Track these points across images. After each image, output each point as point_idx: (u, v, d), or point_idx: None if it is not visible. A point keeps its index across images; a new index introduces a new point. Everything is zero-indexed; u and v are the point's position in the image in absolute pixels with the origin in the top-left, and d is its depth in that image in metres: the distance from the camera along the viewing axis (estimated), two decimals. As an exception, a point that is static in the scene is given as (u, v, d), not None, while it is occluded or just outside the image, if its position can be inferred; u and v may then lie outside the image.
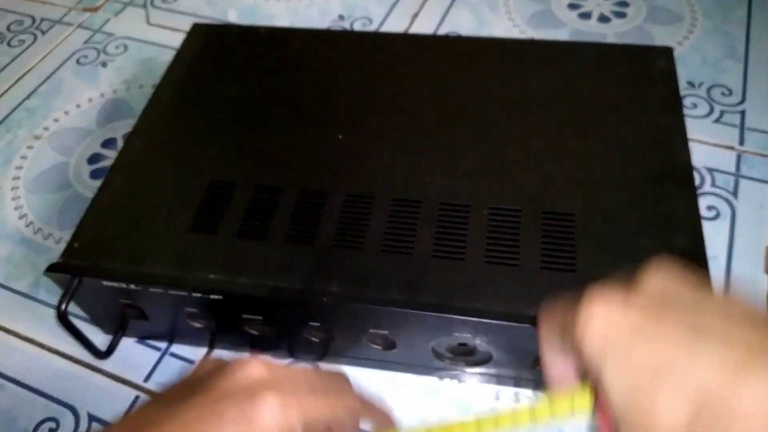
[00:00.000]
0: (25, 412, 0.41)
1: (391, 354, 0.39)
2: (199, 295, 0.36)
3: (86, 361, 0.43)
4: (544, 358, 0.25)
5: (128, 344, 0.44)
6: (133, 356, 0.43)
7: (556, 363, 0.25)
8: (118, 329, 0.43)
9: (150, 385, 0.42)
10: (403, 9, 0.67)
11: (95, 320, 0.43)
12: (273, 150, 0.43)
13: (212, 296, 0.36)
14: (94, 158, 0.56)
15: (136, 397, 0.41)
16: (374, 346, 0.38)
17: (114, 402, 0.41)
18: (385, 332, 0.36)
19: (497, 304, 0.33)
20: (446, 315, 0.33)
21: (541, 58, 0.48)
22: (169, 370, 0.42)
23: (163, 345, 0.44)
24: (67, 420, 0.41)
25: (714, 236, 0.46)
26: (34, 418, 0.41)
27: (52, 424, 0.41)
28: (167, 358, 0.43)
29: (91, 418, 0.41)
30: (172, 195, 0.41)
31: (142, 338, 0.44)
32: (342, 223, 0.38)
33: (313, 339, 0.39)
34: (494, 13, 0.66)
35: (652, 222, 0.37)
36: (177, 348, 0.44)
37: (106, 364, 0.43)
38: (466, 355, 0.37)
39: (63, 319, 0.37)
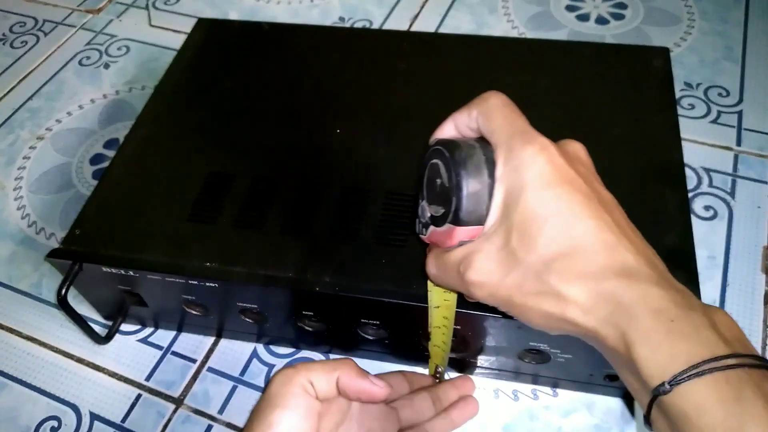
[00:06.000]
0: (28, 411, 0.42)
1: (384, 344, 0.39)
2: (195, 282, 0.36)
3: (88, 360, 0.44)
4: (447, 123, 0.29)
5: (130, 343, 0.44)
6: (135, 355, 0.44)
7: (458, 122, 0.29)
8: (117, 315, 0.43)
9: (151, 384, 0.42)
10: (403, 11, 0.67)
11: (96, 307, 0.44)
12: (272, 143, 0.43)
13: (208, 283, 0.36)
14: (96, 159, 0.56)
15: (138, 396, 0.42)
16: (366, 335, 0.39)
17: (116, 401, 0.42)
18: (377, 322, 0.37)
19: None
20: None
21: (539, 57, 0.48)
22: (171, 369, 0.43)
23: (164, 344, 0.44)
24: (69, 418, 0.41)
25: (711, 236, 0.47)
26: (37, 416, 0.41)
27: (54, 423, 0.41)
28: (169, 356, 0.43)
29: (93, 416, 0.41)
30: (172, 185, 0.41)
31: (142, 325, 0.45)
32: (337, 215, 0.39)
33: (307, 328, 0.39)
34: (493, 15, 0.66)
35: (643, 219, 0.37)
36: (178, 347, 0.44)
37: (108, 363, 0.43)
38: (456, 346, 0.37)
39: (63, 303, 0.37)
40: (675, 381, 0.20)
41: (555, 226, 0.24)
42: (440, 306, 0.33)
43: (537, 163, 0.24)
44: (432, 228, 0.29)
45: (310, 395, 0.28)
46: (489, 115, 0.27)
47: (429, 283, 0.32)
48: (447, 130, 0.29)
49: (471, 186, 0.25)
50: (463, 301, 0.31)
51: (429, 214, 0.29)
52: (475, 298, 0.27)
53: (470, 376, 0.40)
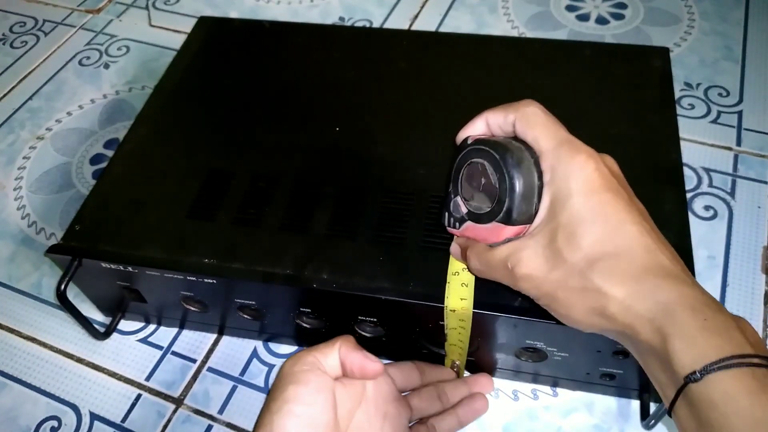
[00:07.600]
0: (28, 411, 0.42)
1: (381, 342, 0.39)
2: (194, 278, 0.37)
3: (89, 359, 0.44)
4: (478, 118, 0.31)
5: (130, 343, 0.44)
6: (135, 355, 0.44)
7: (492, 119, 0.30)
8: (116, 312, 0.44)
9: (151, 384, 0.42)
10: (403, 11, 0.67)
11: (95, 303, 0.44)
12: (271, 141, 0.43)
13: (207, 280, 0.36)
14: (96, 159, 0.56)
15: (138, 396, 0.42)
16: (364, 333, 0.39)
17: (116, 400, 0.42)
18: (374, 320, 0.37)
19: (486, 296, 0.34)
20: (434, 304, 0.34)
21: (539, 56, 0.48)
22: (171, 369, 0.43)
23: (164, 343, 0.44)
24: (69, 418, 0.41)
25: (711, 236, 0.47)
26: (37, 416, 0.41)
27: (54, 423, 0.41)
28: (169, 356, 0.43)
29: (93, 416, 0.41)
30: (172, 182, 0.41)
31: (146, 322, 0.45)
32: (336, 212, 0.39)
33: (305, 325, 0.39)
34: (493, 15, 0.66)
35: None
36: (178, 346, 0.44)
37: (108, 363, 0.43)
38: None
39: (62, 298, 0.38)
40: (706, 370, 0.22)
41: (600, 228, 0.26)
42: (456, 310, 0.33)
43: (586, 170, 0.26)
44: (469, 223, 0.30)
45: (321, 371, 0.31)
46: (529, 123, 0.28)
47: (448, 282, 0.32)
48: (478, 127, 0.31)
49: (524, 188, 0.27)
50: None
51: (465, 210, 0.30)
52: (521, 290, 0.28)
53: (488, 374, 0.40)
